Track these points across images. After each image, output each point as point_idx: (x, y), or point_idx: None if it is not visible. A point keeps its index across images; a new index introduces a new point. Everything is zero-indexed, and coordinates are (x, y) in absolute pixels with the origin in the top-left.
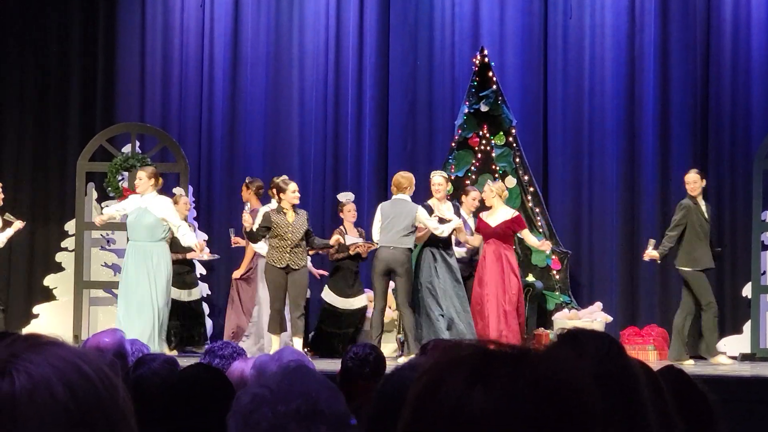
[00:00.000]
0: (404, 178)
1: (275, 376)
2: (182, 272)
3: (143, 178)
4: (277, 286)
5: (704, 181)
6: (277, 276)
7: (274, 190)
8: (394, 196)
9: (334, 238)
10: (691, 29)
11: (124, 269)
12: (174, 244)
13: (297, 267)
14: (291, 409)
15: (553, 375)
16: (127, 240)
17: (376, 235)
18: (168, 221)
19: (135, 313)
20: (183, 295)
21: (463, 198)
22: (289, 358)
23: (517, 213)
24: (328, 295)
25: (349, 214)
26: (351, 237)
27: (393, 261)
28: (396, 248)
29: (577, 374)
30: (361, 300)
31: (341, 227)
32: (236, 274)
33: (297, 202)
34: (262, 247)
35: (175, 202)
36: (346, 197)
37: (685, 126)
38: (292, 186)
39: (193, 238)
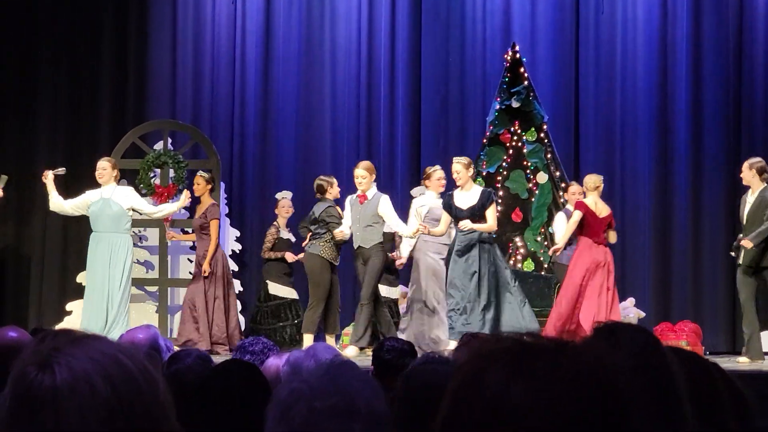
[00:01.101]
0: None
1: (317, 371)
2: (278, 270)
3: (107, 168)
4: (329, 284)
5: (754, 171)
6: (330, 274)
7: (326, 187)
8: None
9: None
10: (724, 23)
11: (90, 261)
12: (276, 244)
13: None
14: (327, 406)
15: (591, 368)
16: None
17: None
18: (137, 209)
19: (89, 303)
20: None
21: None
22: (325, 354)
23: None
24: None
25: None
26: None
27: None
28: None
29: (615, 367)
30: None
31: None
32: (206, 267)
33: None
34: (408, 239)
35: (276, 206)
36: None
37: (717, 120)
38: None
39: (172, 206)
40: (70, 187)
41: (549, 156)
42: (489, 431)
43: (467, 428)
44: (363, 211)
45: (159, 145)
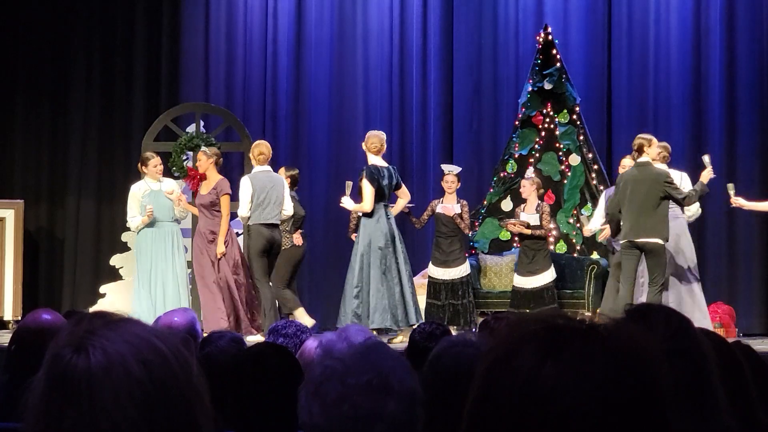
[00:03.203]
0: (267, 147)
1: (349, 350)
2: None
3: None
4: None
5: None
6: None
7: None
8: (263, 168)
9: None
10: (758, 5)
11: (162, 253)
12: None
13: None
14: (360, 382)
15: (623, 350)
16: (148, 222)
17: (245, 210)
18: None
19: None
20: None
21: None
22: (357, 337)
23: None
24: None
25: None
26: (525, 214)
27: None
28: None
29: (647, 349)
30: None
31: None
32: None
33: None
34: None
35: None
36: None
37: (751, 103)
38: None
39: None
40: (103, 169)
41: (581, 138)
42: (520, 414)
43: (498, 411)
44: None
45: (191, 128)
